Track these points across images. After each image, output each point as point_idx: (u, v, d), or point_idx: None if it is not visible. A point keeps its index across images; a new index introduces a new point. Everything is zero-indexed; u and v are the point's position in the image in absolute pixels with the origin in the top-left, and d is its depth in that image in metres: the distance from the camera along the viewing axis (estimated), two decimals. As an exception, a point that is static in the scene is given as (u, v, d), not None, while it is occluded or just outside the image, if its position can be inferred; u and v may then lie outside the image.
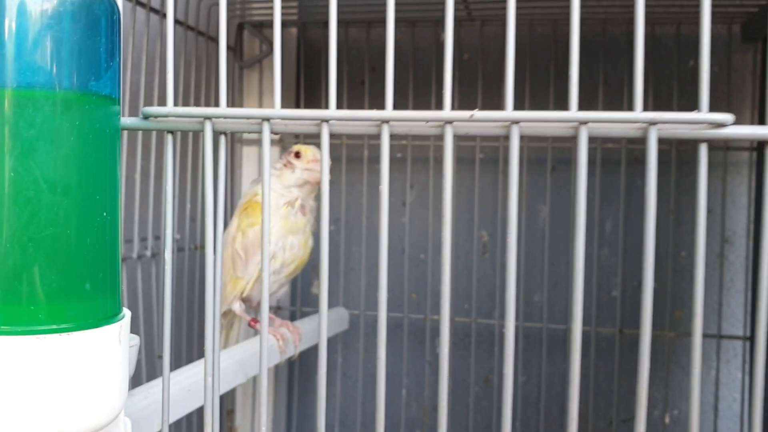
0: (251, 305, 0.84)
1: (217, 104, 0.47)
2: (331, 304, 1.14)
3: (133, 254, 0.86)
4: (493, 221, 1.12)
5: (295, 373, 1.18)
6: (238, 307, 0.81)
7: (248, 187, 0.86)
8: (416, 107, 1.09)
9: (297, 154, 0.80)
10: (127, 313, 0.44)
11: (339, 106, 1.19)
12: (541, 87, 1.05)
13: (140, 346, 0.87)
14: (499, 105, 1.01)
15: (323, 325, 0.46)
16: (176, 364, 0.74)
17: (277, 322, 0.83)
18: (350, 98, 1.11)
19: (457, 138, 1.07)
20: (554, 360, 1.09)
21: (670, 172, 1.03)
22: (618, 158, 1.05)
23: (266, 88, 1.08)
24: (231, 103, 1.08)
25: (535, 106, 1.05)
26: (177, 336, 0.95)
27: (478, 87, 1.07)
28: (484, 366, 1.12)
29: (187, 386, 0.59)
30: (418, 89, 1.09)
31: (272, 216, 0.79)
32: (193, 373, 0.62)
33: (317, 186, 0.81)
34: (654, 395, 1.09)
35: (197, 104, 0.98)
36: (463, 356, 1.13)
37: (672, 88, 1.04)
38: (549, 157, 1.06)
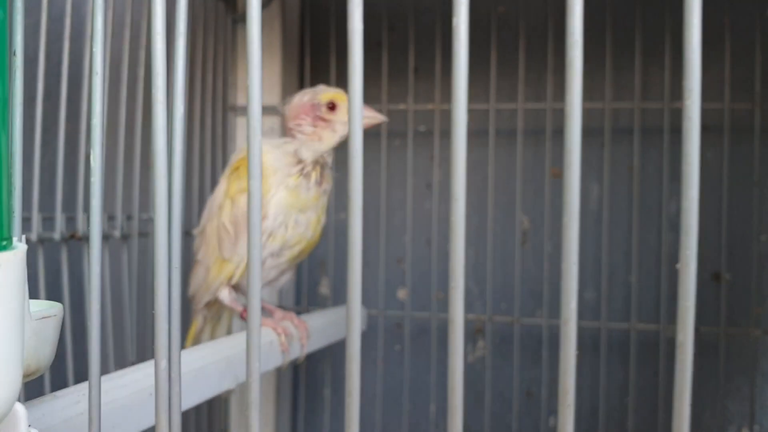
0: (244, 294, 0.67)
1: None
2: (345, 301, 0.96)
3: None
4: (535, 204, 0.94)
5: (301, 382, 0.99)
6: (226, 295, 0.64)
7: (243, 142, 0.69)
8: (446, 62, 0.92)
9: (332, 106, 0.64)
10: (20, 246, 0.26)
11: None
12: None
13: (103, 339, 0.70)
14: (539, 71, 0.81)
15: (355, 305, 0.28)
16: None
17: (278, 314, 0.65)
18: (365, 61, 0.94)
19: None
20: (614, 365, 0.91)
21: (753, 137, 0.85)
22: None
23: (266, 45, 0.91)
24: (223, 65, 0.92)
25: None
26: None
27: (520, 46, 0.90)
28: (528, 375, 0.94)
29: (148, 387, 0.41)
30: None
31: (275, 183, 0.62)
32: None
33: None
34: (728, 407, 0.90)
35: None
36: (502, 364, 0.95)
37: None
38: (606, 126, 0.89)
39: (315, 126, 0.64)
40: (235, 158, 0.66)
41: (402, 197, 0.97)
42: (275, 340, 0.60)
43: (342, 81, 0.95)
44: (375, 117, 0.64)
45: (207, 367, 0.49)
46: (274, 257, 0.63)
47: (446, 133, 0.95)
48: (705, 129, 0.87)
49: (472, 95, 0.92)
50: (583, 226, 0.91)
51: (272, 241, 0.62)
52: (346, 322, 0.30)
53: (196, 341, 0.69)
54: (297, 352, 0.64)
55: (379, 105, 0.93)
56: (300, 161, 0.63)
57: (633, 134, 0.88)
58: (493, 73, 0.89)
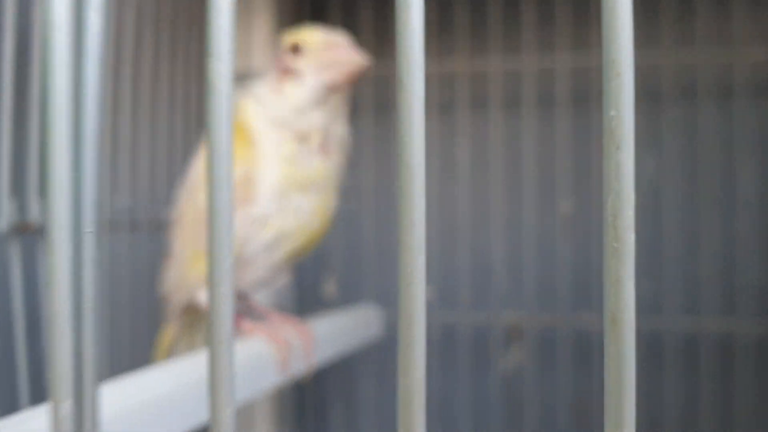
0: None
1: None
2: (356, 301, 0.82)
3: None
4: (579, 185, 0.80)
5: (307, 401, 0.85)
6: (205, 298, 0.50)
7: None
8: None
9: (296, 48, 0.50)
10: None
11: (367, 26, 0.88)
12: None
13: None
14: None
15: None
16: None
17: (275, 319, 0.52)
18: (372, 19, 0.81)
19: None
20: (678, 369, 0.77)
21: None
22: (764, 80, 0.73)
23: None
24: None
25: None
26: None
27: None
28: (575, 385, 0.80)
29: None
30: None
31: (268, 152, 0.49)
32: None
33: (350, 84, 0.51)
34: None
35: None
36: (544, 372, 0.80)
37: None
38: (667, 87, 0.75)
39: (279, 83, 0.51)
40: None
41: (421, 179, 0.83)
42: (269, 355, 0.46)
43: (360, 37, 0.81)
44: (352, 61, 0.49)
45: (176, 393, 0.35)
46: (267, 252, 0.50)
47: (475, 104, 0.81)
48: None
49: (501, 48, 0.78)
50: (636, 206, 0.77)
51: (266, 231, 0.49)
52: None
53: (169, 355, 0.55)
54: (300, 368, 0.50)
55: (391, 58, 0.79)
56: (282, 124, 0.50)
57: (695, 96, 0.74)
58: (528, 22, 0.75)
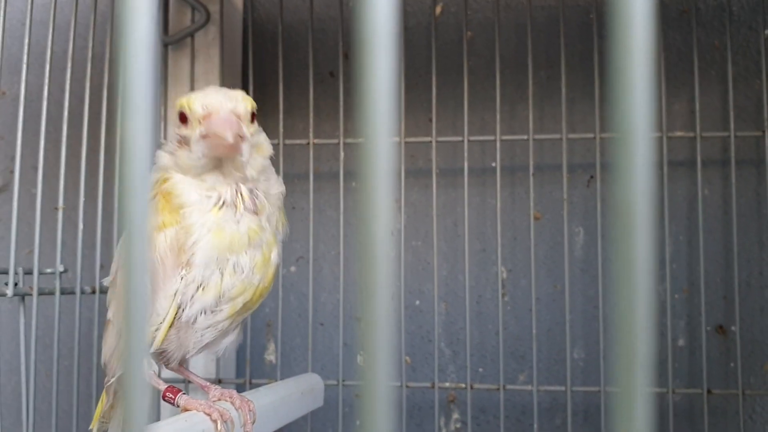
0: (168, 364, 0.52)
1: None
2: (297, 370, 0.82)
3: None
4: (515, 251, 0.83)
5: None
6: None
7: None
8: (408, 104, 0.81)
9: (182, 116, 0.49)
10: None
11: (304, 103, 0.89)
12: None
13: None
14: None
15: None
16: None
17: (214, 393, 0.51)
18: (317, 93, 0.82)
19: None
20: None
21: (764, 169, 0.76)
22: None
23: (199, 72, 0.79)
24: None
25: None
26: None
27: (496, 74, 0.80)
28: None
29: None
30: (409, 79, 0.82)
31: (199, 221, 0.49)
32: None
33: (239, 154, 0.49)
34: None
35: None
36: (483, 440, 0.81)
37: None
38: (597, 159, 0.78)
39: (179, 146, 0.50)
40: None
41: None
42: (209, 430, 0.45)
43: (293, 112, 0.83)
44: (221, 139, 0.47)
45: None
46: (208, 314, 0.49)
47: (412, 172, 0.84)
48: (703, 163, 0.78)
49: (442, 127, 0.81)
50: (568, 275, 0.80)
51: (203, 293, 0.49)
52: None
53: (103, 425, 0.54)
54: (240, 442, 0.50)
55: (336, 141, 0.81)
56: (203, 188, 0.50)
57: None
58: (466, 102, 0.78)
